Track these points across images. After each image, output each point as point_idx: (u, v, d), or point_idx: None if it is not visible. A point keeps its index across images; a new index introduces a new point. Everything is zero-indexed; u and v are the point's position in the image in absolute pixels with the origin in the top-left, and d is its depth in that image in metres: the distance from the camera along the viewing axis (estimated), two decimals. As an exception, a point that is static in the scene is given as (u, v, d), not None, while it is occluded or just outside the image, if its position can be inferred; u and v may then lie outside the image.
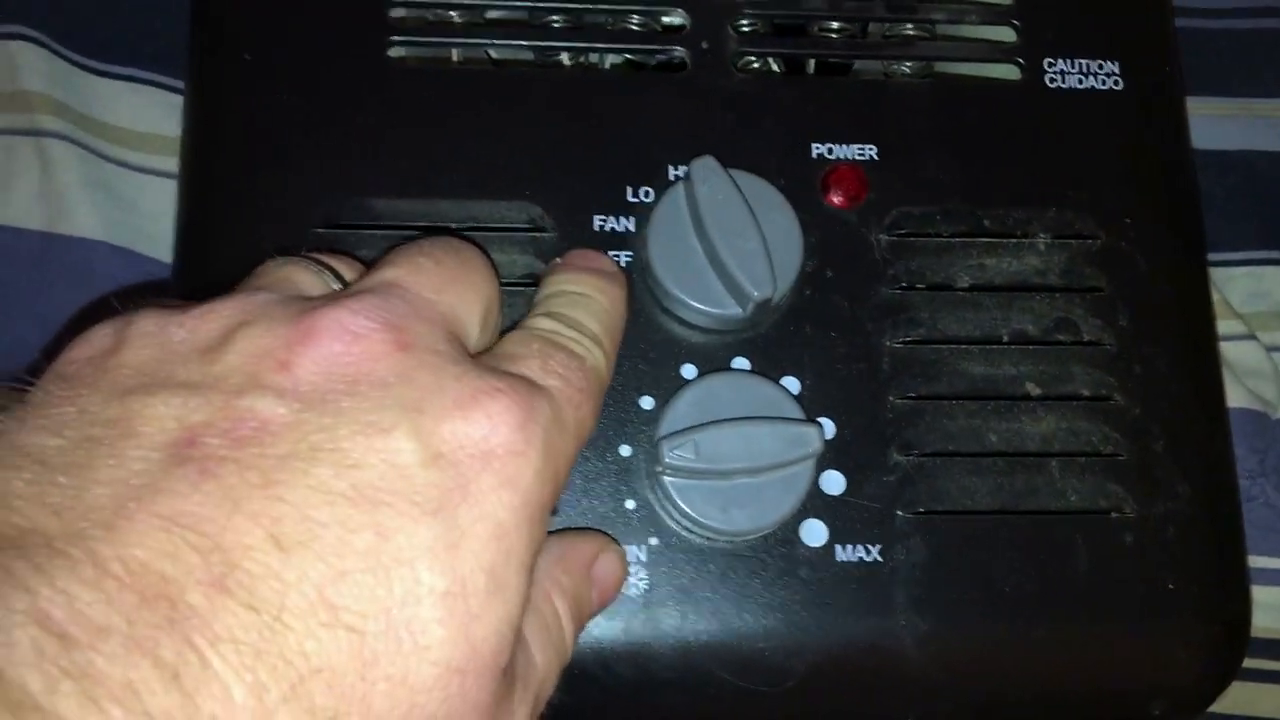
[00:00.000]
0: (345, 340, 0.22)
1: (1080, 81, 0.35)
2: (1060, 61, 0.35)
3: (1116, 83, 0.35)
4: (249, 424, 0.20)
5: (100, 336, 0.23)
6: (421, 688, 0.20)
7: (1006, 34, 0.36)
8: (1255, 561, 0.45)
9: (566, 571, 0.27)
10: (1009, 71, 0.36)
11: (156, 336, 0.22)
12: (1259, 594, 0.45)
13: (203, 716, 0.17)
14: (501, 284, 0.27)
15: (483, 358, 0.24)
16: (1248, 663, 0.45)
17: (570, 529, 0.30)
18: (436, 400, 0.22)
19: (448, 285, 0.25)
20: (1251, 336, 0.48)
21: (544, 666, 0.25)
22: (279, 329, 0.22)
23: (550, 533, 0.29)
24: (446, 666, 0.20)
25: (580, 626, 0.27)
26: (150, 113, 0.46)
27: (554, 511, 0.31)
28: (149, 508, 0.19)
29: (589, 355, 0.26)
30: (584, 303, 0.28)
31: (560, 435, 0.23)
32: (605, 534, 0.30)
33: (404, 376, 0.22)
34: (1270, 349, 0.48)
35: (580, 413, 0.24)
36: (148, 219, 0.45)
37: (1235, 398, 0.46)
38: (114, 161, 0.46)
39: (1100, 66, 0.35)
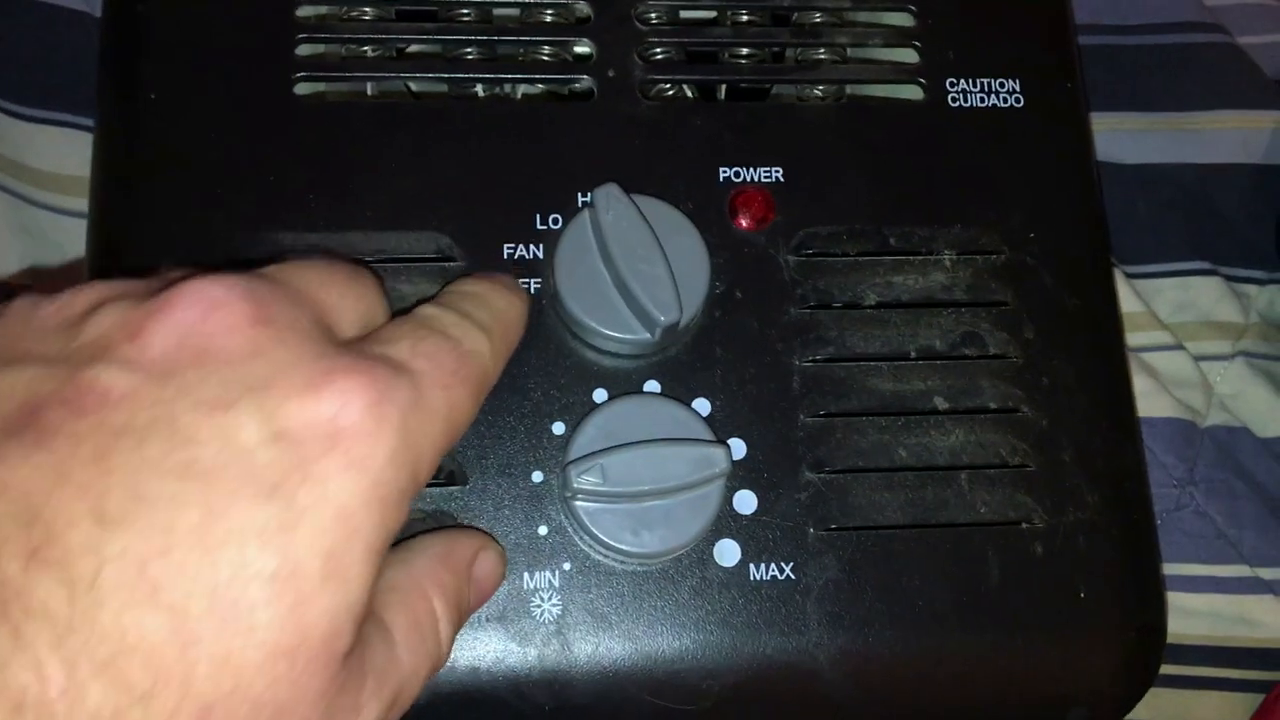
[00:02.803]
0: (201, 308, 0.22)
1: (982, 100, 0.36)
2: (962, 81, 0.36)
3: (1018, 100, 0.36)
4: (93, 395, 0.20)
5: None
6: (246, 669, 0.20)
7: (909, 55, 0.37)
8: (1187, 569, 0.45)
9: (448, 569, 0.27)
10: (914, 92, 0.36)
11: (26, 315, 0.23)
12: (1192, 601, 0.46)
13: (13, 687, 0.18)
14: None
15: (352, 342, 0.24)
16: (1184, 670, 0.45)
17: (450, 527, 0.30)
18: (286, 378, 0.21)
19: (326, 283, 0.25)
20: (1179, 346, 0.48)
21: (410, 665, 0.24)
22: (141, 302, 0.22)
23: (433, 531, 0.29)
24: (274, 649, 0.20)
25: (458, 627, 0.27)
26: (79, 157, 0.46)
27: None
28: None
29: (467, 339, 0.26)
30: (475, 298, 0.28)
31: (422, 418, 0.23)
32: (484, 532, 0.30)
33: (256, 352, 0.22)
34: (1198, 358, 0.48)
35: (451, 395, 0.24)
36: (77, 262, 0.45)
37: (1163, 407, 0.47)
38: (42, 206, 0.46)
39: (1001, 85, 0.36)
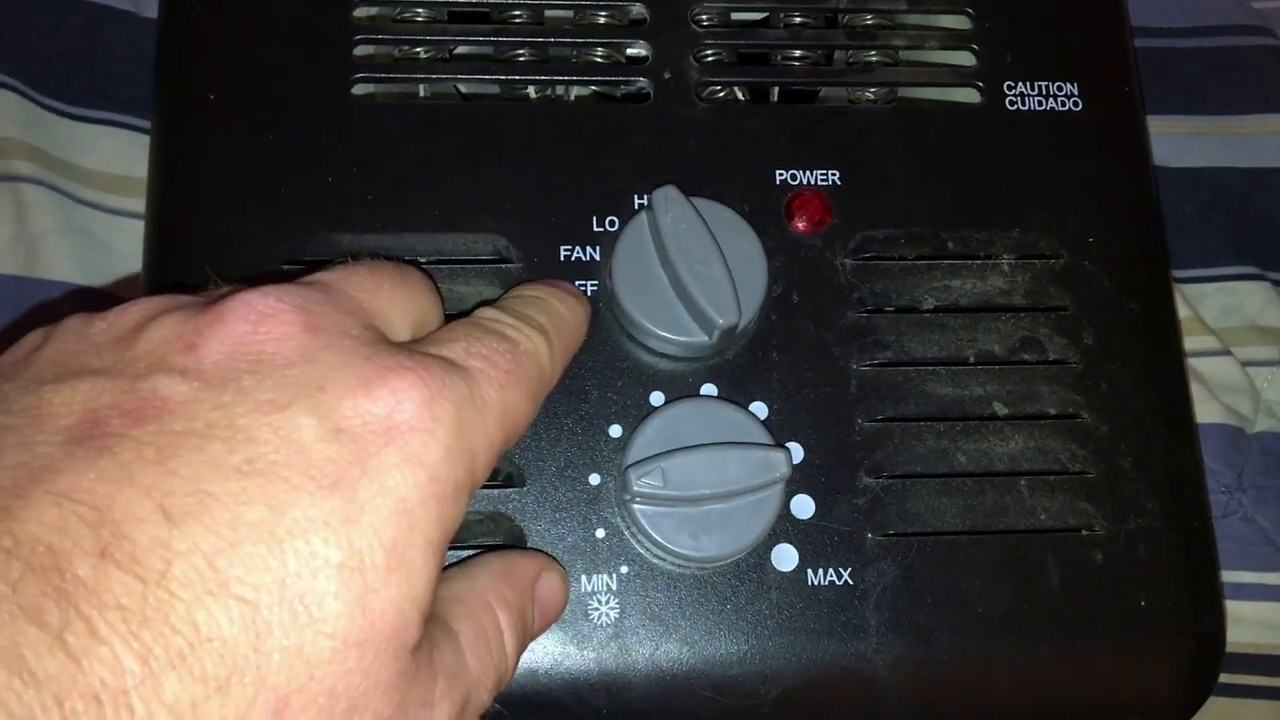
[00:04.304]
0: (252, 320, 0.22)
1: (1040, 103, 0.36)
2: (1020, 84, 0.36)
3: (1076, 103, 0.36)
4: (152, 404, 0.21)
5: (31, 337, 0.24)
6: (318, 660, 0.20)
7: (966, 58, 0.36)
8: (1235, 576, 0.45)
9: (510, 586, 0.27)
10: (970, 95, 0.36)
11: (79, 331, 0.23)
12: (1240, 609, 0.45)
13: (89, 679, 0.18)
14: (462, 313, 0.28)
15: (406, 344, 0.25)
16: (1232, 678, 0.45)
17: (512, 548, 0.30)
18: (340, 378, 0.22)
19: (378, 289, 0.25)
20: (1226, 352, 0.48)
21: (477, 671, 0.24)
22: (192, 315, 0.23)
23: (495, 551, 0.29)
24: (344, 640, 0.20)
25: (523, 644, 0.27)
26: (125, 156, 0.46)
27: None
28: (45, 486, 0.19)
29: (524, 340, 0.26)
30: (534, 302, 0.28)
31: (477, 415, 0.23)
32: (547, 554, 0.30)
33: (309, 357, 0.22)
34: (1245, 364, 0.48)
35: (506, 394, 0.24)
36: (123, 261, 0.46)
37: (1211, 413, 0.47)
38: (90, 205, 0.46)
39: (1059, 88, 0.36)
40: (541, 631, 0.29)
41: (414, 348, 0.24)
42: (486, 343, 0.25)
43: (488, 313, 0.27)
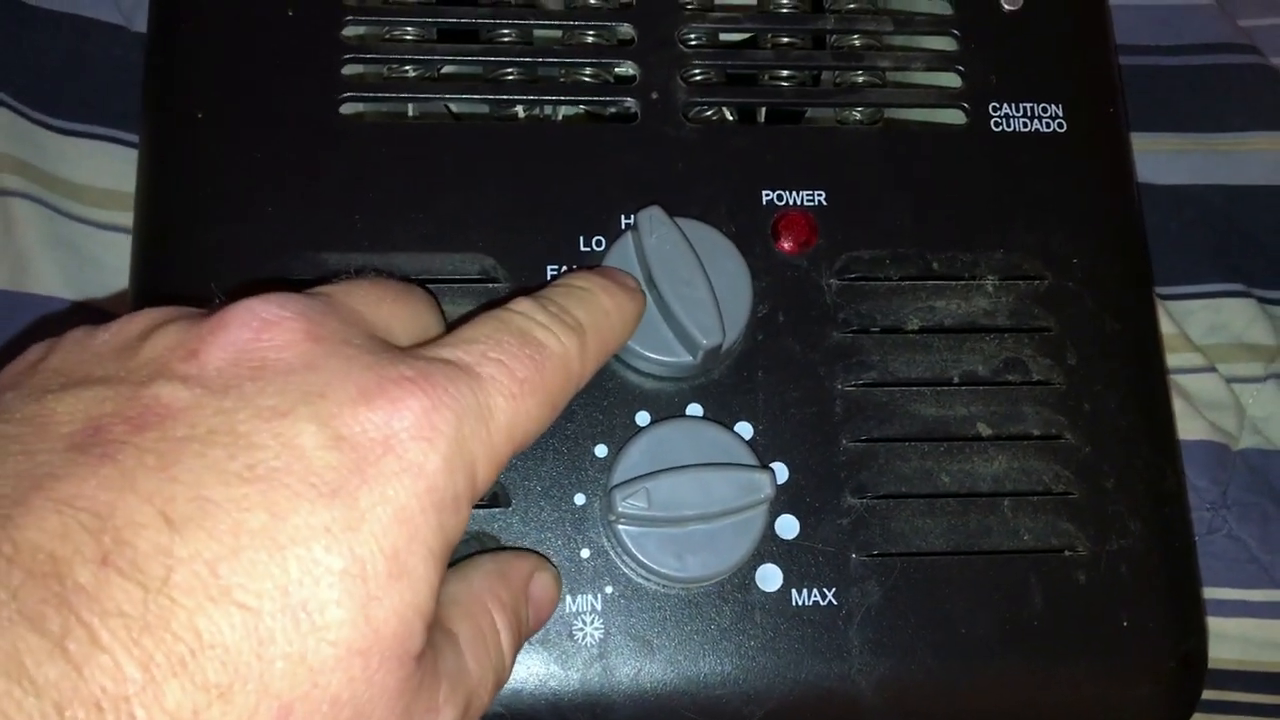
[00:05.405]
0: (254, 327, 0.22)
1: (1025, 124, 0.36)
2: (1005, 105, 0.36)
3: (1060, 125, 0.36)
4: (154, 411, 0.21)
5: (35, 349, 0.24)
6: (322, 668, 0.20)
7: (952, 80, 0.37)
8: (1219, 593, 0.45)
9: (505, 586, 0.27)
10: (955, 116, 0.36)
11: (83, 342, 0.23)
12: (1224, 626, 0.45)
13: (91, 686, 0.18)
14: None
15: (426, 343, 0.25)
16: (1213, 694, 0.45)
17: (506, 548, 0.30)
18: (341, 386, 0.22)
19: (380, 302, 0.25)
20: (1211, 369, 0.48)
21: (477, 674, 0.25)
22: (195, 323, 0.23)
23: (488, 551, 0.29)
24: (347, 648, 0.20)
25: (518, 645, 0.27)
26: (113, 170, 0.47)
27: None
28: (46, 494, 0.19)
29: (553, 342, 0.25)
30: (579, 294, 0.28)
31: (480, 424, 0.23)
32: (539, 554, 0.30)
33: (311, 364, 0.22)
34: (1230, 380, 0.48)
35: (517, 404, 0.24)
36: (112, 275, 0.46)
37: (1196, 430, 0.47)
38: (77, 219, 0.46)
39: (1044, 109, 0.36)
40: (536, 631, 0.29)
41: (426, 349, 0.24)
42: (508, 345, 0.24)
43: (522, 305, 0.26)
